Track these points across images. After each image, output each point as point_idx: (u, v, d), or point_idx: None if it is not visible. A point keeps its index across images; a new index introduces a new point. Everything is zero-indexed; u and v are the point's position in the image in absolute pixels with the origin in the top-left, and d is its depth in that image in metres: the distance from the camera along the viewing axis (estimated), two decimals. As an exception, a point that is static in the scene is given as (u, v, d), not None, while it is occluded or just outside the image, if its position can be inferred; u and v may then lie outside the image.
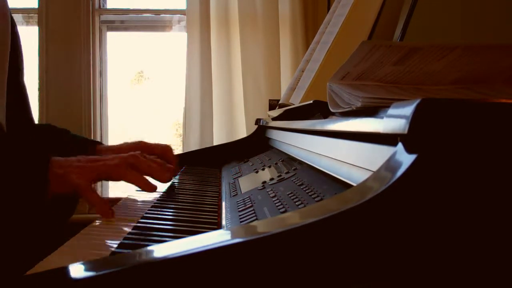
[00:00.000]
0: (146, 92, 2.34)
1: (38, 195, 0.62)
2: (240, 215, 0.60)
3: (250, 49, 1.89)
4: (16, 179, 0.62)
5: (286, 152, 0.92)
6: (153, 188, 0.70)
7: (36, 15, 1.95)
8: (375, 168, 0.35)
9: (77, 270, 0.30)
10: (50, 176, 0.63)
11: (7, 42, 0.83)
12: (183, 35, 1.95)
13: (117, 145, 1.02)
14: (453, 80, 0.52)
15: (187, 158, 1.28)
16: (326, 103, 0.57)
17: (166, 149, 1.00)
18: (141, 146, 0.99)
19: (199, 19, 1.88)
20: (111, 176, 0.68)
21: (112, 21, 2.12)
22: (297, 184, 0.63)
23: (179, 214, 0.66)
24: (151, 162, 0.73)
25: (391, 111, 0.35)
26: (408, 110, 0.31)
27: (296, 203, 0.54)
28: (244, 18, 1.89)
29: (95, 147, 1.00)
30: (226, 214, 0.65)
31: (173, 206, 0.72)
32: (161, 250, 0.32)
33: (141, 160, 0.71)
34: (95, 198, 0.64)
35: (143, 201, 0.75)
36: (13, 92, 0.86)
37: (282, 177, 0.72)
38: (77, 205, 0.85)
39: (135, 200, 0.77)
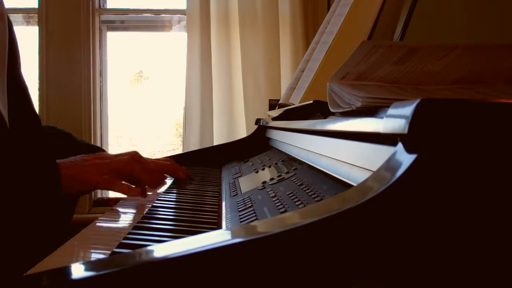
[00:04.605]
0: (146, 92, 2.34)
1: (51, 196, 0.64)
2: (240, 215, 0.60)
3: (250, 49, 1.89)
4: (27, 182, 0.63)
5: (286, 152, 0.92)
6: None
7: (36, 15, 1.95)
8: (375, 168, 0.35)
9: (77, 270, 0.30)
10: (63, 178, 0.65)
11: (5, 40, 0.85)
12: (183, 35, 1.95)
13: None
14: (453, 80, 0.52)
15: (187, 158, 1.28)
16: (326, 103, 0.57)
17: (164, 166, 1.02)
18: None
19: (199, 19, 1.88)
20: (122, 172, 0.71)
21: (112, 21, 2.12)
22: (297, 184, 0.63)
23: (179, 214, 0.66)
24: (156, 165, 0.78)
25: (391, 111, 0.35)
26: (408, 110, 0.31)
27: (296, 203, 0.54)
28: (244, 18, 1.89)
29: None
30: (226, 214, 0.65)
31: (173, 206, 0.72)
32: (161, 250, 0.32)
33: (147, 159, 0.76)
34: (124, 187, 0.68)
35: (143, 202, 0.75)
36: (14, 89, 0.87)
37: (282, 177, 0.72)
38: (75, 206, 0.85)
39: (135, 200, 0.77)
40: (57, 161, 0.68)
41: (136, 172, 0.72)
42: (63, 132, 1.06)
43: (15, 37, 0.94)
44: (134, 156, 0.74)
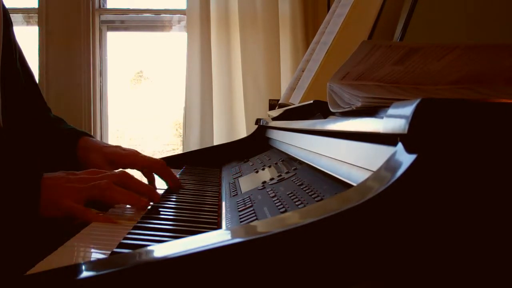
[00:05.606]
0: (146, 92, 2.34)
1: (27, 221, 0.61)
2: (240, 215, 0.60)
3: (250, 49, 1.89)
4: (5, 204, 0.60)
5: (286, 152, 0.92)
6: (144, 204, 0.68)
7: (36, 15, 1.95)
8: (375, 168, 0.35)
9: (77, 270, 0.30)
10: (42, 203, 0.62)
11: None
12: (183, 35, 1.95)
13: (106, 146, 0.98)
14: (453, 80, 0.52)
15: (187, 158, 1.28)
16: (326, 103, 0.57)
17: (156, 164, 0.93)
18: (130, 160, 0.93)
19: (199, 19, 1.88)
20: (102, 198, 0.67)
21: (112, 21, 2.12)
22: (297, 184, 0.63)
23: (179, 214, 0.66)
24: (142, 186, 0.71)
25: (391, 111, 0.35)
26: (408, 110, 0.31)
27: (296, 203, 0.54)
28: (244, 18, 1.89)
29: (77, 141, 0.94)
30: (226, 214, 0.65)
31: (173, 206, 0.72)
32: (161, 250, 0.32)
33: (133, 180, 0.70)
34: (92, 217, 0.62)
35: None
36: (12, 89, 0.86)
37: (282, 177, 0.72)
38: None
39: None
40: (44, 179, 0.64)
41: (115, 201, 0.68)
42: (53, 118, 1.02)
43: (13, 36, 0.93)
44: (118, 180, 0.68)
